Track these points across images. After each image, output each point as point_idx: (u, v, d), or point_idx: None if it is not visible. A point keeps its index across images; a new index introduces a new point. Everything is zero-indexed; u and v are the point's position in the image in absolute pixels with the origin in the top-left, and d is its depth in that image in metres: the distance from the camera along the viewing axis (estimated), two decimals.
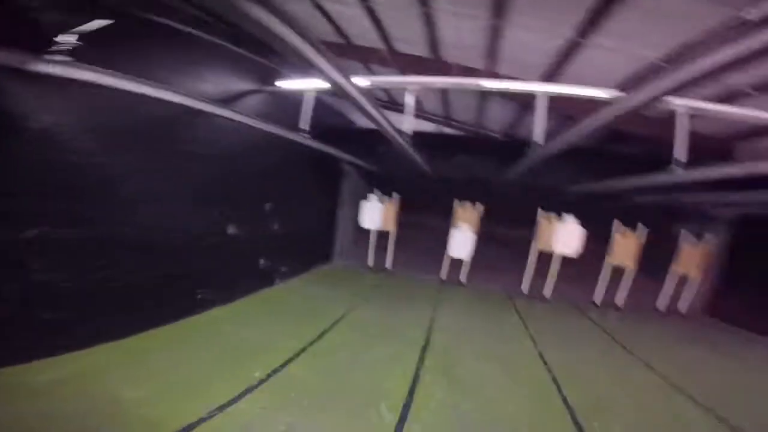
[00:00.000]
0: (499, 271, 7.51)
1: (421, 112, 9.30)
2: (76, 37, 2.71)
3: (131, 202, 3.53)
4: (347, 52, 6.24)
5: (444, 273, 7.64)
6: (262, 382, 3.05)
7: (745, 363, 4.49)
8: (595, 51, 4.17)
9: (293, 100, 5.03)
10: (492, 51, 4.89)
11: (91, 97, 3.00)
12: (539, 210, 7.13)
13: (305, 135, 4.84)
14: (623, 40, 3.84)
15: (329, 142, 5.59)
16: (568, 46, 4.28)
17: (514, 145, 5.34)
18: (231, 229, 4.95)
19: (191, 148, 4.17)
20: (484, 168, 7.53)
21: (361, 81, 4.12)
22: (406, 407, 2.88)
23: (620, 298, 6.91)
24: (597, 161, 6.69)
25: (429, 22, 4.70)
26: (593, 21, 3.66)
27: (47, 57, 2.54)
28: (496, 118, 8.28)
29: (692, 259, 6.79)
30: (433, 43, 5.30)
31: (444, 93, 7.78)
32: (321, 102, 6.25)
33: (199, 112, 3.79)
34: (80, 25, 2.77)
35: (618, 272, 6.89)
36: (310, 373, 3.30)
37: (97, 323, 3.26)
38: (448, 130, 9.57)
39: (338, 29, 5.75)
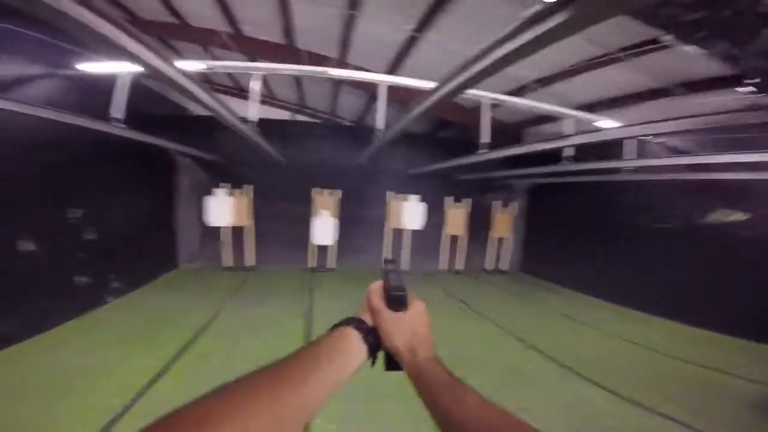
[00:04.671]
0: (362, 250, 8.04)
1: (273, 99, 8.94)
2: None
3: None
4: (183, 34, 5.54)
5: (311, 261, 7.67)
6: (127, 408, 2.52)
7: (543, 306, 6.29)
8: (429, 46, 4.87)
9: (105, 85, 3.90)
10: (345, 40, 5.17)
11: None
12: (387, 192, 7.99)
13: (119, 125, 3.87)
14: (449, 38, 4.57)
15: (155, 132, 4.78)
16: (408, 39, 4.83)
17: (364, 132, 5.67)
18: (24, 245, 3.67)
19: None
20: (338, 154, 7.79)
21: (193, 65, 3.84)
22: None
23: (459, 262, 8.51)
24: (429, 146, 7.98)
25: (283, 6, 4.61)
26: (428, 18, 4.26)
27: None
28: (349, 107, 8.72)
29: (503, 223, 8.78)
30: (287, 29, 5.21)
31: (298, 81, 7.71)
32: (145, 88, 5.34)
33: None
34: None
35: (454, 240, 8.44)
36: (179, 392, 2.85)
37: None
38: (302, 118, 9.51)
39: (170, 8, 5.05)
